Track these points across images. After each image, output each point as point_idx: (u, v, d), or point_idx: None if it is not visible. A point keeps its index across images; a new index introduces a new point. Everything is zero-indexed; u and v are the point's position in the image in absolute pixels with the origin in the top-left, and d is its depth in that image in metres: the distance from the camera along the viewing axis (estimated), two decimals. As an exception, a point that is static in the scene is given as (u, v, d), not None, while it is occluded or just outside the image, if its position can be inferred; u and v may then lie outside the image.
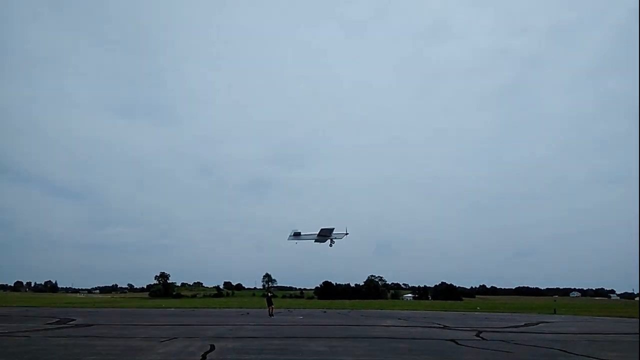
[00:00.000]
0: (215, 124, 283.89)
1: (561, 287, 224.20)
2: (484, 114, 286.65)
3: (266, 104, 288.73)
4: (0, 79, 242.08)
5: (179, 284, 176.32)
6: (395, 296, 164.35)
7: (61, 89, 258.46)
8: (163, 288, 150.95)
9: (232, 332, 16.60)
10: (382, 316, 30.90)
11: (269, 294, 31.92)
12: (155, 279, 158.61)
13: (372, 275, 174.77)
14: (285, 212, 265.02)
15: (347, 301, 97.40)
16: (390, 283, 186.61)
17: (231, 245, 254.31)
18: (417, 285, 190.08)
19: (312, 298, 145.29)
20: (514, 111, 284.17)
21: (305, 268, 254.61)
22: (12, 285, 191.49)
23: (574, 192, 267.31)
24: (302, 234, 39.21)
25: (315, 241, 39.68)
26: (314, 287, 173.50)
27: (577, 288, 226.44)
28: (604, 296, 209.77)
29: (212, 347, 11.65)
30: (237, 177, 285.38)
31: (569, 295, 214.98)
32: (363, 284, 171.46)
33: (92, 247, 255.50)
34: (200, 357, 9.91)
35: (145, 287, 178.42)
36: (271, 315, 28.65)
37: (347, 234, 39.99)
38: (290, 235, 39.13)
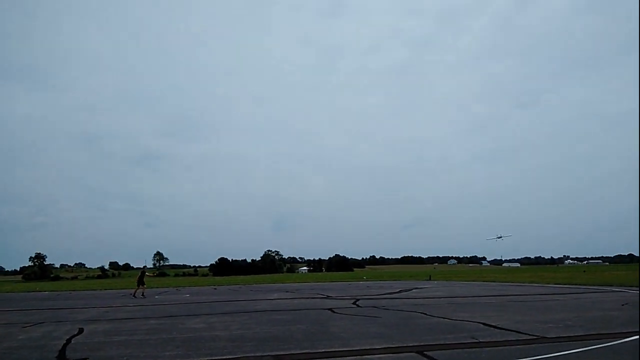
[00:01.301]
0: (98, 90, 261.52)
1: (441, 256, 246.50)
2: (378, 92, 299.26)
3: (159, 70, 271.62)
4: None
5: (57, 266, 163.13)
6: (291, 270, 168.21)
7: None
8: (39, 270, 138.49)
9: (108, 314, 15.89)
10: (271, 290, 31.55)
11: (146, 273, 28.67)
12: (29, 260, 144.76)
13: (268, 250, 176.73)
14: (179, 188, 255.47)
15: (241, 277, 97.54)
16: (286, 257, 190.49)
17: (118, 223, 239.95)
18: (312, 258, 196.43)
19: (206, 275, 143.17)
20: (406, 91, 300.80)
21: (201, 245, 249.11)
22: None
23: (455, 169, 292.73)
24: None
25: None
26: (209, 264, 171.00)
27: (454, 256, 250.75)
28: (476, 262, 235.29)
29: (81, 331, 11.13)
30: (125, 150, 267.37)
31: (447, 263, 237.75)
32: (260, 259, 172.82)
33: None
34: (65, 342, 9.43)
35: (18, 269, 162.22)
36: (135, 296, 25.92)
37: (510, 235, 40.30)
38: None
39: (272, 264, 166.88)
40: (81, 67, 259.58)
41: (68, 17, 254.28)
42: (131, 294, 27.22)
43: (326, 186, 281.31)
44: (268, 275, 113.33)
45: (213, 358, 7.46)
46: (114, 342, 9.38)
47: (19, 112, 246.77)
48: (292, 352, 7.82)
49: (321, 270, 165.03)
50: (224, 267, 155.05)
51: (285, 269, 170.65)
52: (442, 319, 12.03)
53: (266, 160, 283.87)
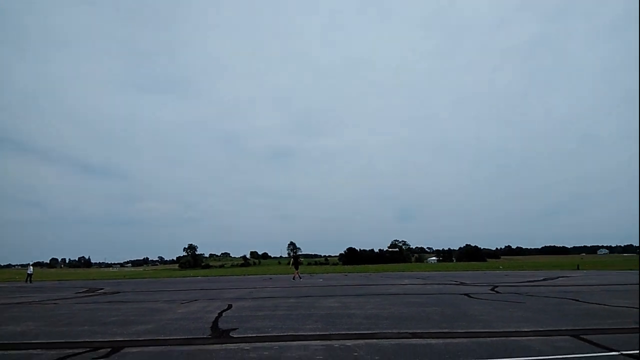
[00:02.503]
0: (235, 94, 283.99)
1: (589, 245, 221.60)
2: (507, 71, 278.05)
3: (285, 72, 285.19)
4: (25, 62, 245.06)
5: (207, 255, 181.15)
6: (420, 260, 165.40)
7: (83, 68, 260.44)
8: (192, 259, 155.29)
9: (251, 294, 17.14)
10: (401, 277, 31.28)
11: (297, 259, 33.00)
12: (184, 250, 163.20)
13: (395, 240, 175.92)
14: (309, 181, 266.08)
15: (370, 266, 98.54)
16: (414, 247, 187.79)
17: (256, 216, 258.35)
18: (441, 249, 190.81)
19: (336, 264, 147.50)
20: (538, 68, 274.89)
21: (330, 236, 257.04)
22: (48, 262, 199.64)
23: (601, 149, 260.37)
24: None
25: None
26: (338, 254, 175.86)
27: (605, 245, 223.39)
28: (632, 252, 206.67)
29: (230, 306, 12.14)
30: (259, 147, 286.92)
31: (596, 253, 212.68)
32: (387, 248, 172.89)
33: (122, 223, 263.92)
34: (217, 315, 10.36)
35: (175, 259, 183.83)
36: (294, 279, 29.22)
37: None
38: None
39: (399, 254, 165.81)
40: (220, 75, 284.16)
41: (205, 32, 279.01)
42: (292, 278, 29.95)
43: (453, 174, 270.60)
44: (396, 264, 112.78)
45: (351, 332, 7.59)
46: (258, 316, 10.07)
47: (169, 118, 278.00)
48: (430, 330, 7.61)
49: (451, 260, 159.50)
50: (353, 257, 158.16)
51: (413, 258, 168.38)
52: (597, 305, 10.77)
53: (390, 150, 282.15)
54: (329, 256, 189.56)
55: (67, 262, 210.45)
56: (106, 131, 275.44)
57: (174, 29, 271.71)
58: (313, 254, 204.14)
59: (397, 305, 11.49)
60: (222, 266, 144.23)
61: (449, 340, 6.67)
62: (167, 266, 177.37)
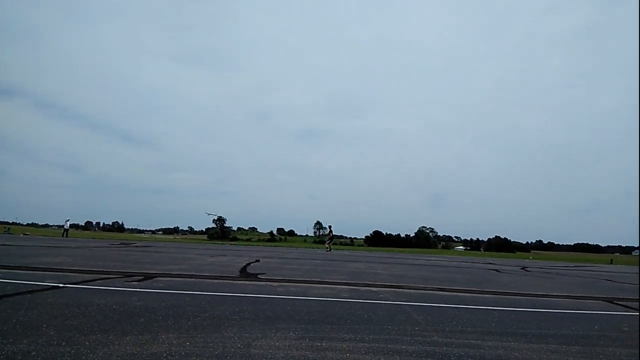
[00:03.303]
0: (273, 70, 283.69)
1: (623, 245, 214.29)
2: (553, 59, 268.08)
3: (322, 50, 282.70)
4: (68, 30, 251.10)
5: (235, 229, 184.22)
6: (446, 247, 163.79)
7: (126, 38, 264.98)
8: (220, 231, 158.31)
9: (278, 254, 17.40)
10: (429, 257, 31.14)
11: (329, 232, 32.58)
12: (213, 222, 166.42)
13: (422, 226, 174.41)
14: (339, 161, 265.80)
15: (396, 248, 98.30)
16: (441, 235, 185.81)
17: (285, 193, 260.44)
18: (469, 238, 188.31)
19: (361, 246, 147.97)
20: (587, 55, 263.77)
21: (357, 218, 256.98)
22: (83, 224, 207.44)
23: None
24: None
25: None
26: (364, 237, 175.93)
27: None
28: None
29: (257, 260, 12.38)
30: (292, 124, 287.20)
31: (631, 254, 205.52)
32: (414, 234, 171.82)
33: (156, 191, 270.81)
34: (245, 264, 10.58)
35: (204, 230, 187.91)
36: (327, 249, 29.34)
37: None
38: None
39: (426, 240, 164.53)
40: (255, 51, 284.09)
41: (247, 6, 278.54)
42: (326, 249, 29.85)
43: (488, 162, 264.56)
44: (422, 249, 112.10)
45: (377, 282, 7.61)
46: (285, 267, 10.23)
47: (204, 92, 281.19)
48: (457, 287, 7.56)
49: (479, 250, 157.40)
50: (378, 240, 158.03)
51: (440, 246, 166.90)
52: (630, 284, 10.45)
53: (426, 135, 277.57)
54: (355, 238, 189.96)
55: (101, 225, 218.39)
56: (145, 101, 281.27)
57: (217, 2, 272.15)
58: (339, 234, 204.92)
59: (423, 271, 11.46)
60: (249, 240, 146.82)
61: (476, 296, 6.62)
62: (196, 236, 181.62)
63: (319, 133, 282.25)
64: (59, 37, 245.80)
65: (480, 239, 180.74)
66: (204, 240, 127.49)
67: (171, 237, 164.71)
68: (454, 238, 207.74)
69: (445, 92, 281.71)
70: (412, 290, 6.67)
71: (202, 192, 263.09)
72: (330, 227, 31.38)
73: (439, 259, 24.58)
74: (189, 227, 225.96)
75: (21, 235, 39.26)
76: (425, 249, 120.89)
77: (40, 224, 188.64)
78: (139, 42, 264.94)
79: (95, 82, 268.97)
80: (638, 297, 11.04)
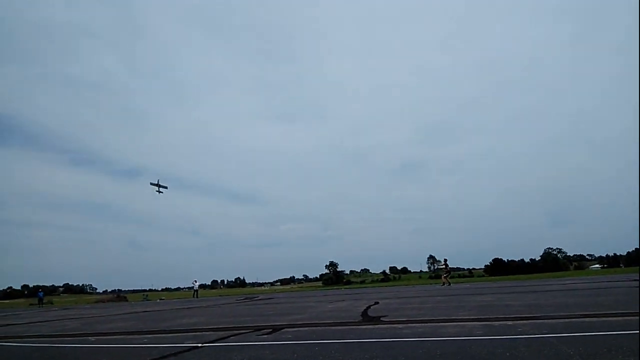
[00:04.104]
0: (361, 112, 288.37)
1: None
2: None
3: (407, 83, 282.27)
4: (173, 108, 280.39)
5: (347, 272, 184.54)
6: (580, 268, 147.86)
7: (223, 107, 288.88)
8: (334, 276, 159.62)
9: (398, 294, 16.99)
10: (560, 280, 28.33)
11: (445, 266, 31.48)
12: (325, 268, 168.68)
13: (549, 248, 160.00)
14: (441, 191, 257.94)
15: (522, 276, 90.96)
16: (572, 255, 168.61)
17: (392, 230, 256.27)
18: (605, 255, 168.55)
19: (482, 277, 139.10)
20: None
21: (472, 247, 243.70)
22: (209, 283, 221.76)
23: None
24: None
25: None
26: (483, 266, 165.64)
27: None
28: None
29: (377, 302, 12.18)
30: (388, 161, 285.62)
31: None
32: (539, 258, 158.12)
33: (269, 245, 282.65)
34: (365, 308, 10.47)
35: (318, 276, 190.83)
36: (444, 284, 28.27)
37: None
38: None
39: (554, 263, 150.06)
40: (344, 98, 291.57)
41: (326, 57, 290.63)
42: (442, 284, 28.90)
43: (611, 171, 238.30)
44: (552, 273, 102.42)
45: (510, 315, 7.06)
46: (406, 307, 9.94)
47: (300, 143, 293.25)
48: (604, 312, 6.73)
49: (619, 267, 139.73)
50: (500, 267, 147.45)
51: (572, 267, 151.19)
52: None
53: (532, 151, 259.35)
54: (473, 269, 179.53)
55: (225, 283, 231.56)
56: (247, 161, 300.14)
57: (299, 58, 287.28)
58: (455, 267, 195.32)
59: (560, 297, 10.43)
60: (362, 282, 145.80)
61: (631, 319, 5.82)
62: (311, 284, 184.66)
63: (417, 165, 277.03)
64: (166, 117, 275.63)
65: (619, 254, 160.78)
66: (319, 286, 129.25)
67: (288, 287, 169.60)
68: (587, 256, 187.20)
69: (544, 104, 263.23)
70: (553, 320, 6.07)
71: (311, 239, 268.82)
72: (445, 260, 30.12)
73: (574, 281, 22.25)
74: (303, 275, 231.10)
75: (157, 301, 43.08)
76: (556, 273, 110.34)
77: (172, 287, 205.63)
78: (236, 108, 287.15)
79: (203, 150, 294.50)
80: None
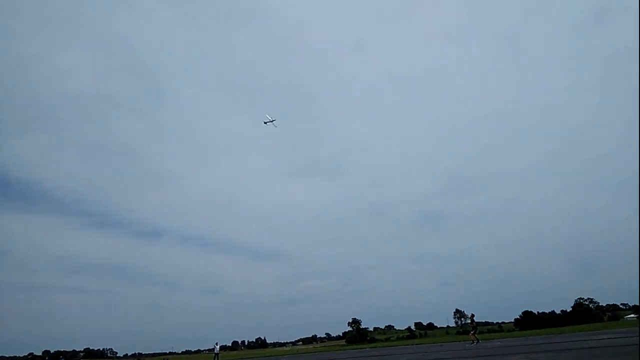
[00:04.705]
0: (381, 167, 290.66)
1: None
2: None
3: (427, 138, 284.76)
4: (196, 166, 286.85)
5: (371, 329, 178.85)
6: (614, 318, 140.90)
7: (240, 167, 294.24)
8: (357, 334, 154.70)
9: (425, 356, 16.55)
10: (595, 334, 27.17)
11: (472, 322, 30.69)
12: (348, 325, 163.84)
13: (580, 298, 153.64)
14: (465, 243, 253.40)
15: (554, 329, 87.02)
16: (604, 304, 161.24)
17: (416, 284, 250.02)
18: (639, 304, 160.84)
19: (512, 331, 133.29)
20: None
21: (500, 300, 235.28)
22: (230, 344, 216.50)
23: None
24: None
25: None
26: (512, 319, 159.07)
27: None
28: None
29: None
30: (409, 213, 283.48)
31: None
32: (570, 309, 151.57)
33: (290, 302, 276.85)
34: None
35: (341, 334, 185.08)
36: (473, 342, 27.39)
37: None
38: None
39: (587, 314, 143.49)
40: (363, 152, 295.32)
41: (343, 112, 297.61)
42: (471, 342, 28.03)
43: (633, 212, 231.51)
44: (585, 325, 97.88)
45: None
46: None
47: (319, 199, 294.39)
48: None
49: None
50: (530, 320, 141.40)
51: (605, 317, 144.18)
52: None
53: (555, 199, 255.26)
54: (502, 323, 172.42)
55: (245, 343, 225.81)
56: (268, 218, 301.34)
57: (316, 116, 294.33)
58: (484, 321, 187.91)
59: (600, 356, 10.11)
60: (387, 339, 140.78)
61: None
62: (334, 342, 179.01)
63: (439, 216, 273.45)
64: (186, 177, 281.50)
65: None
66: (343, 345, 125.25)
67: (311, 346, 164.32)
68: (621, 305, 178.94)
69: (565, 151, 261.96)
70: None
71: (333, 296, 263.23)
72: (472, 316, 29.32)
73: (610, 336, 21.37)
74: (326, 333, 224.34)
75: (180, 364, 42.14)
76: (588, 324, 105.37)
77: (192, 350, 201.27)
78: (256, 165, 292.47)
79: (223, 208, 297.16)
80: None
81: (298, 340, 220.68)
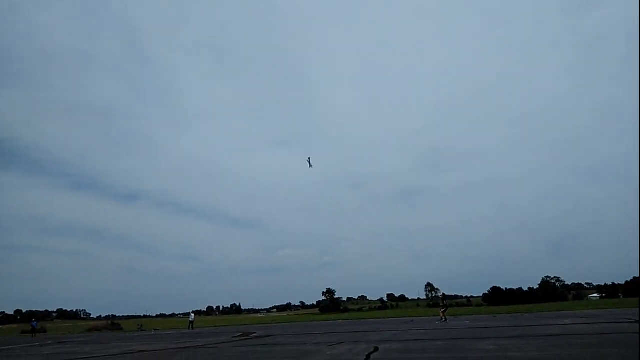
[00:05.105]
0: (360, 139, 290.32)
1: None
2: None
3: (409, 112, 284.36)
4: (176, 132, 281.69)
5: (345, 299, 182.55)
6: (578, 297, 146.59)
7: (225, 134, 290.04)
8: (331, 303, 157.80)
9: (396, 336, 16.72)
10: (559, 316, 28.02)
11: (443, 300, 31.28)
12: (322, 295, 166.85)
13: (546, 277, 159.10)
14: (440, 219, 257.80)
15: (521, 306, 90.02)
16: (570, 283, 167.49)
17: (390, 257, 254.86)
18: (603, 284, 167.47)
19: (480, 305, 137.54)
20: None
21: (470, 275, 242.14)
22: (205, 310, 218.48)
23: None
24: None
25: None
26: (481, 294, 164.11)
27: None
28: None
29: (376, 349, 11.94)
30: (387, 188, 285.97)
31: None
32: (537, 286, 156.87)
33: (266, 271, 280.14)
34: (365, 357, 10.26)
35: (315, 303, 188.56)
36: (442, 319, 27.96)
37: None
38: None
39: (553, 292, 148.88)
40: (345, 123, 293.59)
41: (328, 86, 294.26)
42: (440, 319, 28.51)
43: (614, 197, 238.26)
44: (550, 303, 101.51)
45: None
46: (407, 358, 9.74)
47: (299, 170, 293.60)
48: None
49: (617, 297, 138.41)
50: (498, 296, 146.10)
51: (570, 296, 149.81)
52: None
53: (533, 178, 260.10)
54: (471, 297, 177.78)
55: (221, 309, 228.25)
56: (248, 187, 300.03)
57: (298, 86, 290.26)
58: (453, 294, 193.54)
59: (564, 347, 10.25)
60: (360, 309, 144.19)
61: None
62: (308, 310, 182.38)
63: (416, 191, 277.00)
64: (166, 142, 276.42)
65: (617, 283, 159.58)
66: (316, 314, 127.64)
67: (285, 314, 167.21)
68: (586, 285, 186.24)
69: (544, 130, 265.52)
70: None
71: (308, 266, 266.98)
72: (443, 294, 29.97)
73: (574, 320, 22.01)
74: (300, 302, 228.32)
75: (152, 332, 42.35)
76: (553, 303, 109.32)
77: (167, 313, 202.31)
78: (236, 134, 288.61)
79: (202, 176, 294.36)
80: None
81: (272, 308, 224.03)
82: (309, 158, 48.48)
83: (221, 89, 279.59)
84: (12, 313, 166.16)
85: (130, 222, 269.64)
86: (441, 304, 29.90)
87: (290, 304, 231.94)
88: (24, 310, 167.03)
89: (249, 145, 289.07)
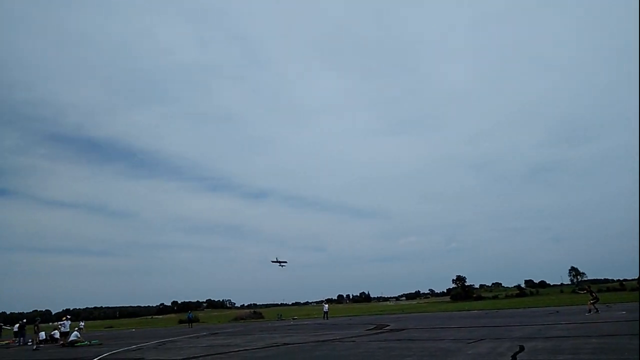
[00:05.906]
0: (481, 118, 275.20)
1: None
2: None
3: (535, 83, 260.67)
4: (295, 129, 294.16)
5: (477, 286, 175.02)
6: None
7: (339, 126, 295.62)
8: (462, 291, 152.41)
9: (542, 332, 15.76)
10: None
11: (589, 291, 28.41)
12: (452, 282, 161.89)
13: None
14: (580, 196, 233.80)
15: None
16: None
17: (524, 241, 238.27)
18: None
19: (636, 289, 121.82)
20: None
21: (622, 255, 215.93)
22: (336, 298, 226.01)
23: None
24: None
25: None
26: (638, 277, 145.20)
27: None
28: None
29: (522, 348, 11.43)
30: (514, 168, 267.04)
31: None
32: None
33: (392, 258, 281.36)
34: (510, 358, 9.92)
35: (445, 291, 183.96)
36: (590, 312, 25.57)
37: None
38: None
39: None
40: (463, 104, 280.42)
41: (441, 63, 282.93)
42: (587, 311, 26.20)
43: None
44: None
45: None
46: (559, 360, 9.21)
47: (414, 155, 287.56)
48: None
49: None
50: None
51: None
52: None
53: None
54: (624, 280, 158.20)
55: (350, 297, 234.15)
56: (367, 175, 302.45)
57: (411, 70, 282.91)
58: (602, 278, 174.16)
59: None
60: (495, 297, 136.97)
61: None
62: (438, 298, 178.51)
63: (549, 168, 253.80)
64: (286, 140, 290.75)
65: None
66: (447, 302, 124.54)
67: (414, 302, 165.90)
68: None
69: None
70: None
71: (434, 253, 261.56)
72: (588, 286, 27.41)
73: None
74: (429, 289, 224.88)
75: (291, 321, 45.37)
76: None
77: (302, 302, 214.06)
78: (349, 127, 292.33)
79: (323, 169, 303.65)
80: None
81: (401, 296, 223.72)
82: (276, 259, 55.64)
83: (334, 83, 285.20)
84: (169, 304, 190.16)
85: (263, 217, 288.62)
86: (591, 295, 27.15)
87: (419, 291, 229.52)
88: (179, 302, 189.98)
89: (365, 136, 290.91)
